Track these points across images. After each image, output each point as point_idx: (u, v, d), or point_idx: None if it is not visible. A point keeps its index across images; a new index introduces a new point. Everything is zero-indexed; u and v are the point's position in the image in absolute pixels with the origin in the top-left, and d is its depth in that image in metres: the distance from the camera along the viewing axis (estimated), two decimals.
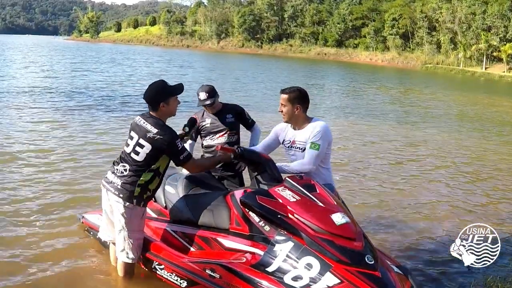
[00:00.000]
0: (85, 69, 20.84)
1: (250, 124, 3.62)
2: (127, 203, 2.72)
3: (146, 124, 2.69)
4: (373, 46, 52.78)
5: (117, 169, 2.77)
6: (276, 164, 2.79)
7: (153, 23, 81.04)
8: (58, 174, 5.23)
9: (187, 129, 3.05)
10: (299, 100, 2.81)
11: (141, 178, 2.70)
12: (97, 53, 37.72)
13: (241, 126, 3.64)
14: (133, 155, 2.71)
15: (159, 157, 2.69)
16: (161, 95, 2.67)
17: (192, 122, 3.09)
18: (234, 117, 3.49)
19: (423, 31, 48.85)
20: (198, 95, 3.41)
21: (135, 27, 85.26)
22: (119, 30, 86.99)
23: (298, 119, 2.84)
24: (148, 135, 2.65)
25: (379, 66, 44.50)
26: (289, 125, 2.93)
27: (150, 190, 2.79)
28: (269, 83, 19.32)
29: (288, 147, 2.93)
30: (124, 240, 2.81)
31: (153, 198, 3.19)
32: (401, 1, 51.91)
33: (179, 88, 2.75)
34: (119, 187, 2.73)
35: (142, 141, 2.67)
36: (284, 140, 2.96)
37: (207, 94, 3.37)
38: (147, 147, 2.65)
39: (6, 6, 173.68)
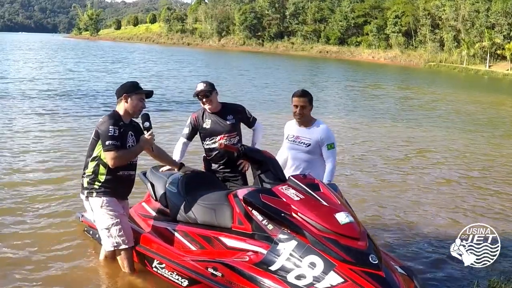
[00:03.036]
0: (100, 70, 20.37)
1: (251, 122, 3.51)
2: (82, 195, 2.96)
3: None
4: (376, 44, 52.49)
5: None
6: (328, 173, 3.11)
7: (153, 20, 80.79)
8: (59, 173, 5.22)
9: (147, 124, 2.88)
10: (312, 101, 3.21)
11: (87, 169, 2.90)
12: (104, 52, 37.16)
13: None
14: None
15: (98, 141, 2.83)
16: (128, 89, 2.91)
17: (144, 116, 2.90)
18: (234, 118, 3.38)
19: (426, 28, 48.54)
20: (196, 87, 3.33)
21: (135, 24, 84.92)
22: (119, 28, 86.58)
23: (308, 117, 3.20)
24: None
25: (382, 64, 44.24)
26: (293, 121, 3.26)
27: (100, 181, 2.85)
28: (289, 82, 19.06)
29: (292, 141, 3.23)
30: (99, 231, 2.95)
31: (154, 197, 3.19)
32: None
33: (148, 92, 2.98)
34: (81, 183, 2.99)
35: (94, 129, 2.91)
36: (288, 135, 3.28)
37: (204, 85, 3.30)
38: (93, 132, 2.89)
39: (5, 4, 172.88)
